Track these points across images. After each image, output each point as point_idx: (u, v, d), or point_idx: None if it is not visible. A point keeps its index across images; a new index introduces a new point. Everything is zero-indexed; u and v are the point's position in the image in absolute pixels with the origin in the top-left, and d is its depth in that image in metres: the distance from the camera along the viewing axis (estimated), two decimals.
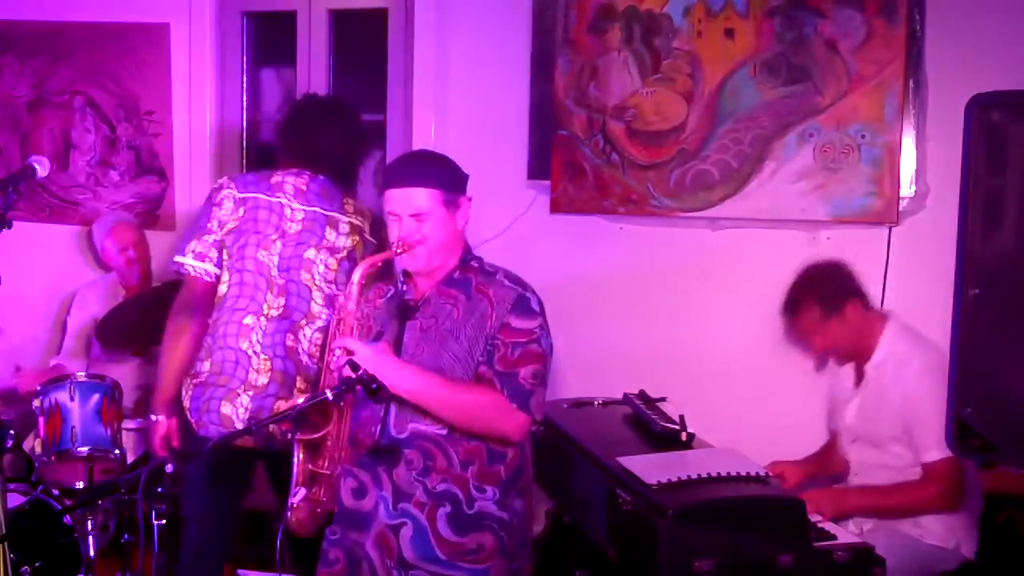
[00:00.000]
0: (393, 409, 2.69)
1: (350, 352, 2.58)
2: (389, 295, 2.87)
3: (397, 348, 2.73)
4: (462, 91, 4.41)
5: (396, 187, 2.74)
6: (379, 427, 2.69)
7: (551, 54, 4.22)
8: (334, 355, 2.64)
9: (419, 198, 2.71)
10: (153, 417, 3.38)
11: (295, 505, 2.59)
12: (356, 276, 2.75)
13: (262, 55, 4.93)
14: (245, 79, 4.88)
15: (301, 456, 2.64)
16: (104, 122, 4.94)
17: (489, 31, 4.36)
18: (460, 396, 2.66)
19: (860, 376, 3.46)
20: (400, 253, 2.72)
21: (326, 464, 2.64)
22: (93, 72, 4.91)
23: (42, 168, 2.92)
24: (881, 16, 3.78)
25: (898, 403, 3.29)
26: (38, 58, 4.98)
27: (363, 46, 4.73)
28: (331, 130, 3.42)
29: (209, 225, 3.31)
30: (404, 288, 2.83)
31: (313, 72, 4.70)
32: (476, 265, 2.81)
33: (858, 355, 3.47)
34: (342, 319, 2.74)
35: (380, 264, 2.84)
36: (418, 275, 2.81)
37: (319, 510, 2.68)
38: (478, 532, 2.69)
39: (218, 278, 3.31)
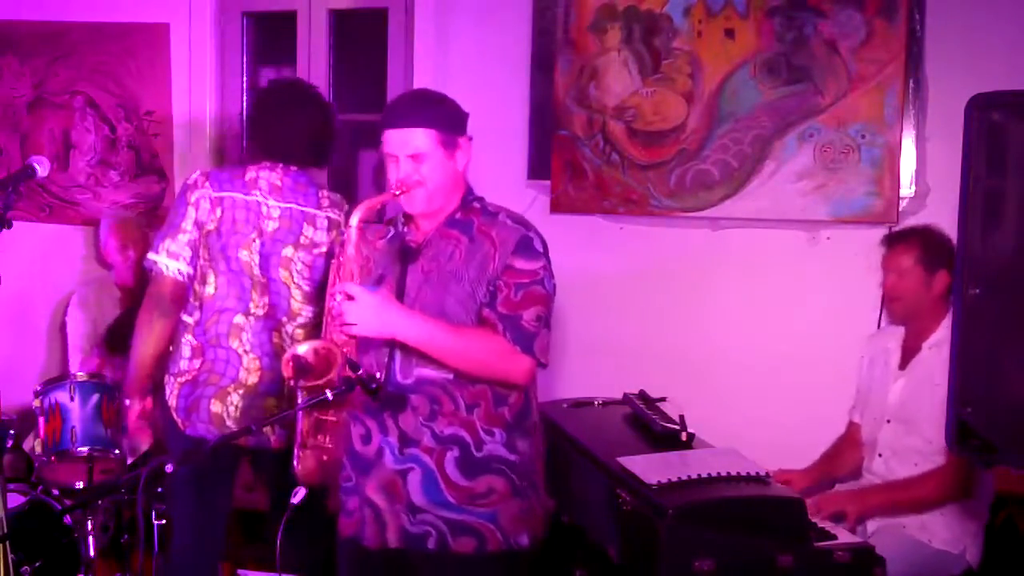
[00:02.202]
0: (398, 355, 2.65)
1: (350, 297, 2.53)
2: (389, 236, 2.79)
3: (399, 292, 2.68)
4: (462, 91, 4.35)
5: (393, 127, 2.67)
6: (384, 373, 2.66)
7: (551, 54, 4.22)
8: (335, 300, 2.59)
9: (416, 138, 2.64)
10: (127, 402, 3.41)
11: (297, 505, 2.58)
12: (354, 220, 2.66)
13: (262, 55, 4.93)
14: (245, 79, 4.88)
15: (304, 400, 2.59)
16: (104, 122, 4.94)
17: (489, 31, 4.36)
18: (464, 341, 2.62)
19: (908, 357, 3.44)
20: (399, 195, 2.65)
21: (331, 411, 2.63)
22: (93, 72, 4.92)
23: (42, 168, 2.92)
24: (881, 16, 3.78)
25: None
26: (38, 58, 4.98)
27: (363, 46, 4.73)
28: (300, 117, 3.37)
29: (183, 224, 3.30)
30: (404, 230, 2.76)
31: (313, 72, 4.69)
32: (478, 206, 2.75)
33: (914, 323, 3.44)
34: (341, 263, 2.65)
35: (378, 207, 2.76)
36: (419, 217, 2.74)
37: (325, 458, 2.65)
38: (488, 475, 2.67)
39: (190, 277, 3.31)
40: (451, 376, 2.64)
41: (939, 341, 3.36)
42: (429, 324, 2.60)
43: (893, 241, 3.49)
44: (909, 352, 3.46)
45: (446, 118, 2.71)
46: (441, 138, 2.66)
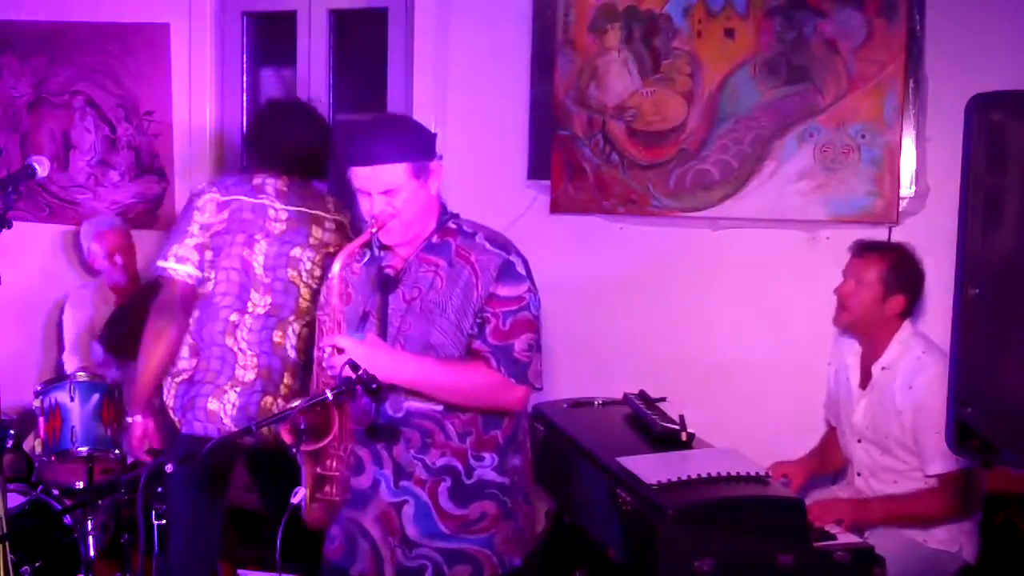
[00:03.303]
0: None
1: (340, 350, 2.51)
2: (366, 260, 2.73)
3: (382, 323, 2.66)
4: (462, 91, 4.41)
5: (361, 165, 2.57)
6: (375, 407, 2.65)
7: (551, 54, 4.22)
8: (324, 352, 2.57)
9: (387, 175, 2.55)
10: (129, 419, 3.39)
11: (296, 504, 2.58)
12: (335, 270, 2.61)
13: (262, 55, 4.93)
14: (245, 79, 4.88)
15: (307, 465, 2.62)
16: (104, 122, 4.94)
17: (489, 31, 4.36)
18: (455, 378, 2.59)
19: (867, 376, 3.43)
20: (376, 232, 2.60)
21: (333, 464, 2.62)
22: (93, 72, 4.92)
23: (42, 168, 2.93)
24: (881, 16, 3.78)
25: (909, 410, 3.26)
26: (38, 58, 4.98)
27: (363, 46, 4.73)
28: (297, 136, 3.45)
29: (190, 229, 3.32)
30: (380, 255, 2.71)
31: (313, 72, 4.70)
32: (454, 226, 2.68)
33: (862, 337, 3.44)
34: (327, 315, 2.63)
35: (358, 250, 2.69)
36: (396, 246, 2.69)
37: (333, 501, 2.66)
38: (479, 501, 2.66)
39: (200, 280, 3.32)
40: (440, 407, 2.62)
41: (890, 363, 3.35)
42: (420, 365, 2.58)
43: (863, 250, 3.45)
44: (866, 373, 3.44)
45: (416, 147, 2.60)
46: (413, 169, 2.57)
